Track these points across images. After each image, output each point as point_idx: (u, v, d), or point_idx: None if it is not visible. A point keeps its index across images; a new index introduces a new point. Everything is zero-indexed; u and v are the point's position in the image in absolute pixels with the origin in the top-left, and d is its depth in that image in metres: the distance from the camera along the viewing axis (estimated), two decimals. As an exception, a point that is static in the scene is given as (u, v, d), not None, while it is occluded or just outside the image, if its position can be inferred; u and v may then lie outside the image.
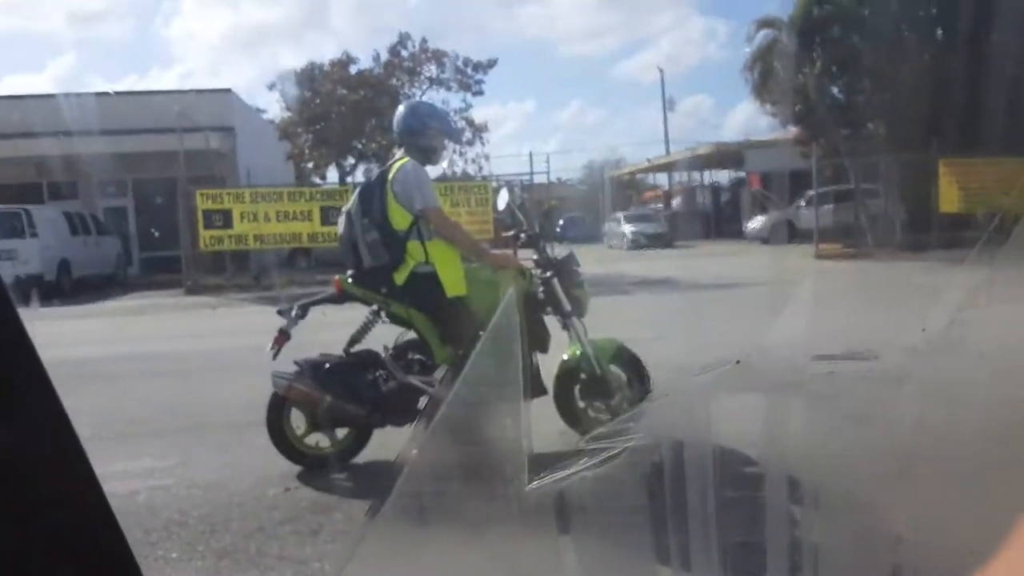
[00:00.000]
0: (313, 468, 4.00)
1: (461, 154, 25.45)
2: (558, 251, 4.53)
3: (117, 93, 23.96)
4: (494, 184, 16.96)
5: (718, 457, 1.47)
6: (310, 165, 26.46)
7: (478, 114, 28.06)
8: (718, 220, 31.97)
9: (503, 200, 4.56)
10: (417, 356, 4.07)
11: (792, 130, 21.73)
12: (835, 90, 19.59)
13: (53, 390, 0.62)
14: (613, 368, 4.16)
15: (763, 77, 20.47)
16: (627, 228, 28.79)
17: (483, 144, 26.38)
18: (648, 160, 39.20)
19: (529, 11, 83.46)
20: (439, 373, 3.91)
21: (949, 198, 17.18)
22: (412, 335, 4.09)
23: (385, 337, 4.15)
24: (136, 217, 22.77)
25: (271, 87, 27.48)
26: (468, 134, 25.80)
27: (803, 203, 23.17)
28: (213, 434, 4.88)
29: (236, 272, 17.94)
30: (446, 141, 4.42)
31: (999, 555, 0.40)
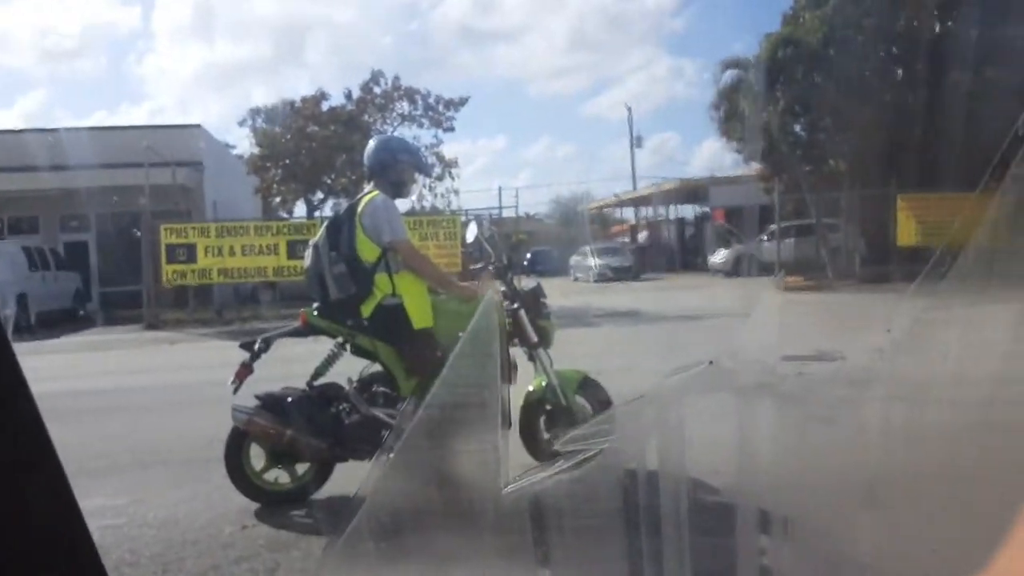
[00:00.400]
0: (272, 504, 3.90)
1: (431, 189, 25.50)
2: (525, 284, 4.52)
3: (83, 129, 23.73)
4: (463, 218, 17.00)
5: (690, 461, 1.45)
6: (278, 200, 26.31)
7: (449, 150, 28.20)
8: (683, 253, 32.43)
9: (472, 233, 4.56)
10: (382, 389, 4.01)
11: (756, 166, 22.19)
12: (798, 128, 20.09)
13: (43, 425, 0.64)
14: (578, 399, 4.14)
15: (728, 115, 20.93)
16: (594, 261, 29.04)
17: (453, 179, 26.44)
18: (615, 195, 39.72)
19: (500, 51, 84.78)
20: (404, 405, 3.85)
21: (907, 232, 17.64)
22: (377, 368, 4.04)
23: (350, 370, 4.08)
24: (98, 251, 22.42)
25: (241, 123, 27.31)
26: (438, 169, 25.85)
27: (766, 237, 23.66)
28: (169, 471, 4.75)
29: (198, 307, 17.68)
30: (416, 175, 4.43)
31: (992, 564, 0.37)
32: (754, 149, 20.77)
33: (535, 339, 4.06)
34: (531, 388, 4.13)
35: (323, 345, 4.16)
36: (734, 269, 25.15)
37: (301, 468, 3.96)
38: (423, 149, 23.24)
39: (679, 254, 32.61)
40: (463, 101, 26.87)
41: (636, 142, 41.20)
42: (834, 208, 19.85)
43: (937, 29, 18.63)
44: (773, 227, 20.50)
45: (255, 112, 26.48)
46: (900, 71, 18.97)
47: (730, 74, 20.98)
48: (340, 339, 4.06)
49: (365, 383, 4.02)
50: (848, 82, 18.15)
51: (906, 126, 16.56)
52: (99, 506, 4.05)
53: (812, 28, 18.58)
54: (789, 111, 19.21)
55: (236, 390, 3.94)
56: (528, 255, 32.98)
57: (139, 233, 16.45)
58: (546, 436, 4.14)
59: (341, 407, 3.95)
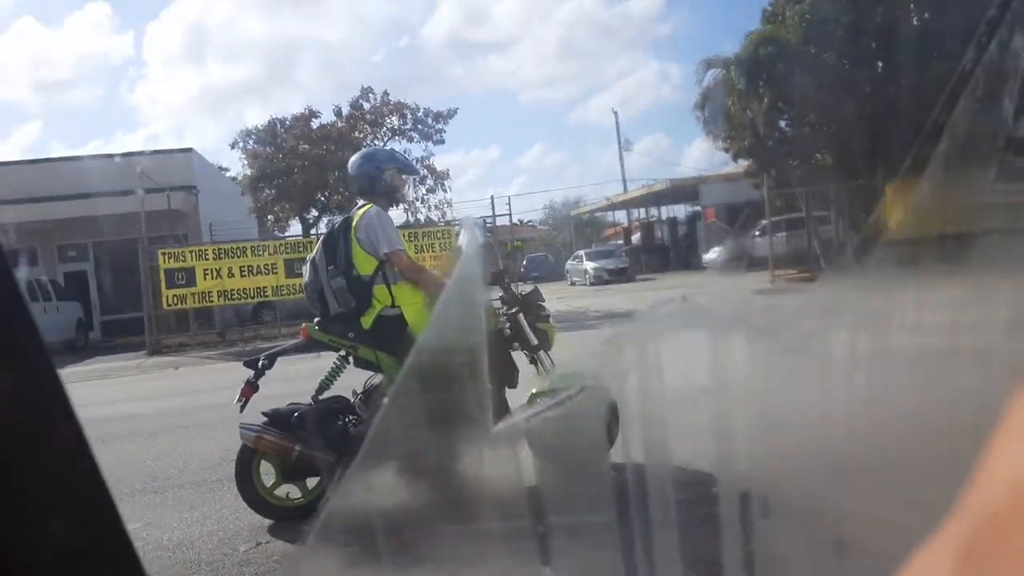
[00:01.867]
0: (285, 520, 3.93)
1: (424, 201, 25.62)
2: (523, 289, 4.57)
3: (78, 157, 23.80)
4: (457, 228, 17.07)
5: (668, 393, 1.53)
6: (272, 219, 26.38)
7: (441, 162, 28.44)
8: (677, 253, 32.55)
9: (465, 236, 4.61)
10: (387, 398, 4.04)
11: (744, 163, 22.30)
12: (783, 124, 20.22)
13: (86, 442, 0.62)
14: (581, 400, 4.19)
15: (713, 114, 21.05)
16: (589, 265, 29.16)
17: (445, 191, 26.60)
18: (607, 198, 39.82)
19: (491, 63, 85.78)
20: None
21: (896, 220, 17.73)
22: (381, 378, 4.08)
23: (354, 382, 4.13)
24: (97, 280, 22.47)
25: (233, 145, 27.41)
26: (430, 181, 26.02)
27: (757, 232, 23.77)
28: (180, 493, 4.77)
29: (200, 330, 17.73)
30: (404, 177, 4.43)
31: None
32: (740, 147, 20.91)
33: (535, 342, 4.10)
34: (535, 391, 4.19)
35: (326, 361, 4.22)
36: (728, 266, 25.26)
37: (312, 482, 4.00)
38: (415, 162, 23.33)
39: (673, 253, 32.73)
40: (452, 113, 27.05)
41: (625, 145, 41.55)
42: (823, 201, 19.94)
43: (915, 21, 18.81)
44: (764, 222, 20.63)
45: (247, 134, 26.54)
46: (880, 64, 19.13)
47: (712, 73, 21.13)
48: (343, 352, 4.10)
49: (370, 393, 4.07)
50: (829, 76, 18.32)
51: (888, 117, 16.69)
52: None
53: (792, 25, 18.74)
54: (773, 107, 19.35)
55: (242, 408, 3.99)
56: (524, 261, 33.09)
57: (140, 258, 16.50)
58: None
59: (348, 419, 4.01)
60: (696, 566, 1.64)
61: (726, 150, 21.94)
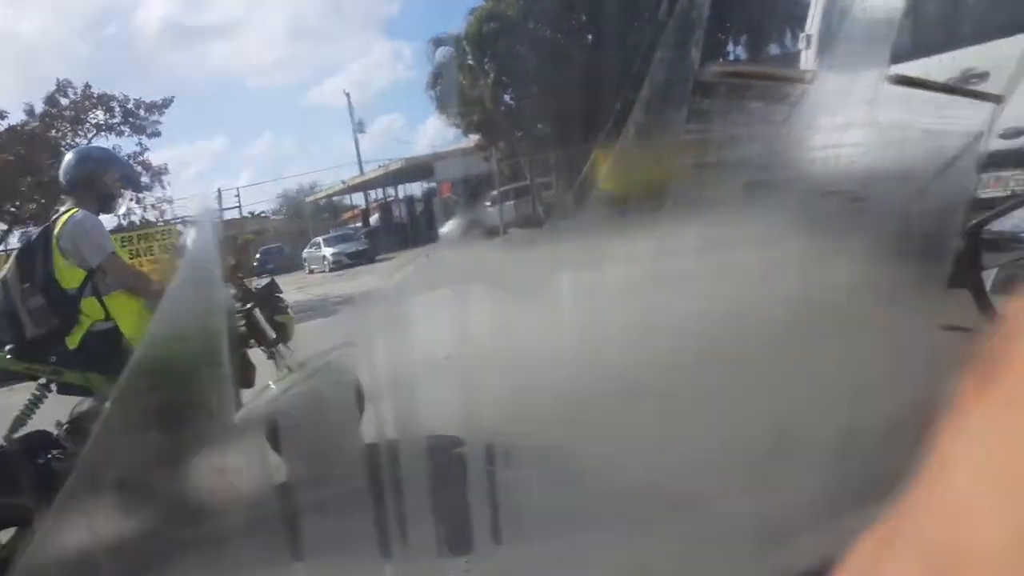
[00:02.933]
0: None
1: (139, 201, 23.37)
2: (258, 283, 4.31)
3: None
4: (180, 228, 15.79)
5: (419, 351, 1.52)
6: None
7: (160, 157, 26.13)
8: (415, 230, 32.96)
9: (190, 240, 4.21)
10: (99, 425, 3.57)
11: (474, 138, 23.07)
12: (507, 97, 21.17)
13: None
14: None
15: (443, 92, 21.48)
16: (327, 251, 28.62)
17: (164, 188, 24.50)
18: (343, 182, 39.24)
19: (214, 48, 79.91)
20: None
21: (607, 182, 19.47)
22: (91, 403, 3.58)
23: (58, 413, 3.58)
24: None
25: None
26: (146, 178, 23.80)
27: (488, 203, 24.86)
28: None
29: None
30: (123, 190, 3.97)
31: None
32: (470, 122, 21.61)
33: (273, 335, 3.87)
34: (270, 383, 3.94)
35: (21, 394, 3.62)
36: (464, 237, 26.13)
37: (7, 534, 3.41)
38: (127, 159, 21.20)
39: (411, 231, 33.12)
40: (167, 103, 24.96)
41: (359, 127, 41.16)
42: (546, 167, 21.27)
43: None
44: (494, 193, 21.58)
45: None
46: (590, 34, 20.68)
47: (441, 51, 21.54)
48: (43, 380, 3.55)
49: (77, 421, 3.55)
50: (547, 49, 19.47)
51: (598, 83, 18.13)
52: None
53: (511, 2, 19.60)
54: (498, 82, 20.20)
55: None
56: (258, 255, 31.58)
57: None
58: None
59: (50, 454, 3.46)
60: (445, 525, 1.66)
61: (458, 126, 22.57)
